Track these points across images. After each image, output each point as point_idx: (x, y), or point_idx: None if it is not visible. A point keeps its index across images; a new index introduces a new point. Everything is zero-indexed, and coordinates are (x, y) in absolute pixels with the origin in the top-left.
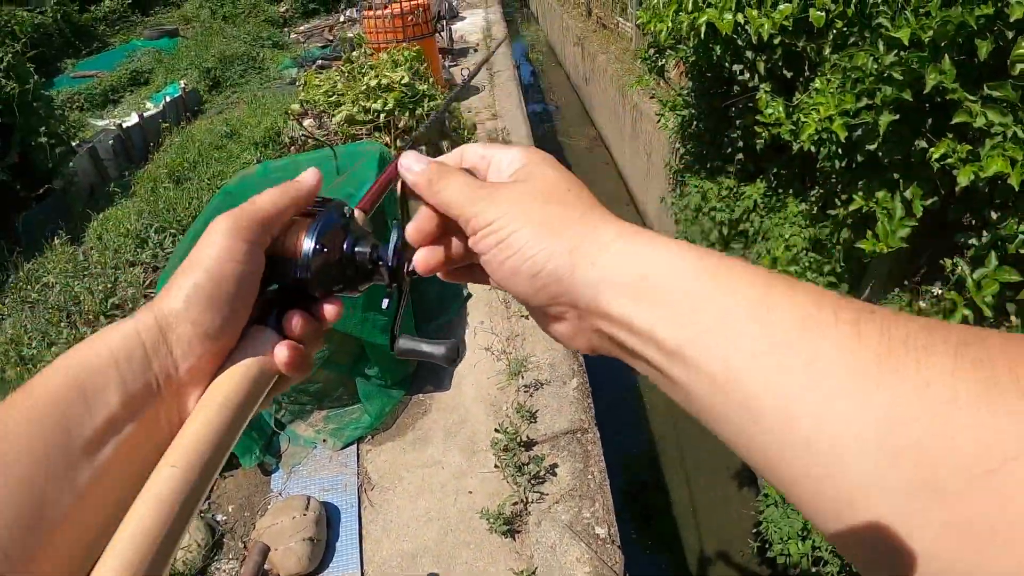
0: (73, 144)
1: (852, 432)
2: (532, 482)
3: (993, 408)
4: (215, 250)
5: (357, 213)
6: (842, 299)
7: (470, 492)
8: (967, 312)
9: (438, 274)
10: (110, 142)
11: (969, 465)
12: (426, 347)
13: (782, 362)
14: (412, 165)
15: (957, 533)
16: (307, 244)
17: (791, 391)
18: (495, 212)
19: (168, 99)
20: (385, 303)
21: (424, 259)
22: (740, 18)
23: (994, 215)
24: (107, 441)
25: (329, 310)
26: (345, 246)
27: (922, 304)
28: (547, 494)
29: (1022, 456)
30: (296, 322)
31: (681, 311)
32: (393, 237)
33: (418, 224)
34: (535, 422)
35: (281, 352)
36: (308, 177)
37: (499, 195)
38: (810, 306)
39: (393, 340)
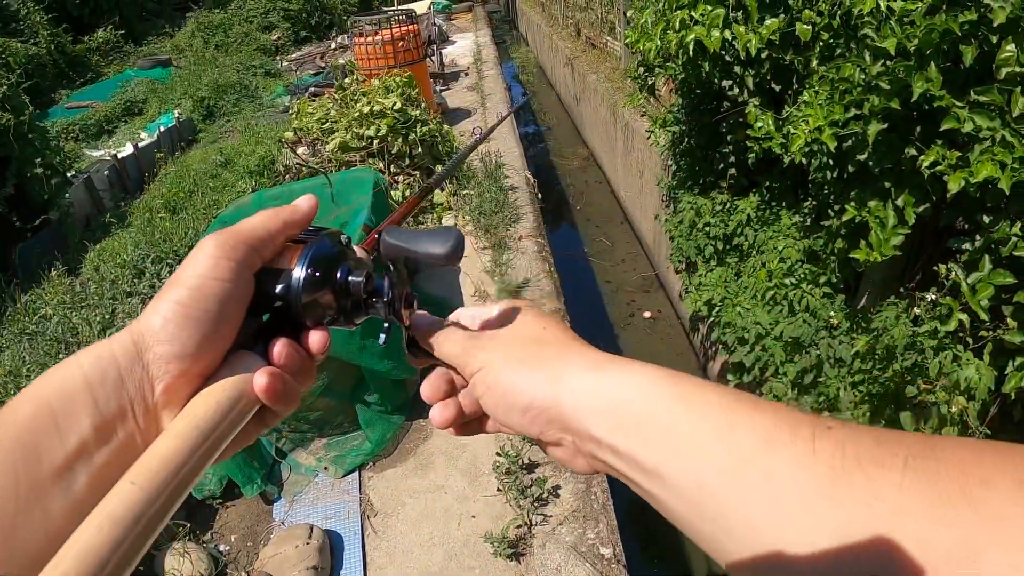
0: (69, 175)
1: (808, 541)
2: (535, 504)
3: (939, 519)
4: (198, 268)
5: (359, 251)
6: (803, 417)
7: (473, 516)
8: (963, 317)
9: (449, 430)
10: (105, 173)
11: (916, 570)
12: (420, 245)
13: (745, 478)
14: (420, 323)
15: None
16: (298, 269)
17: (753, 504)
18: (484, 358)
19: (162, 129)
20: (382, 338)
21: (440, 414)
22: (728, 34)
23: (986, 219)
24: (80, 468)
25: (315, 340)
26: (339, 274)
27: (918, 311)
28: (551, 516)
29: (965, 561)
30: (281, 349)
31: (656, 436)
32: (389, 272)
33: (432, 383)
34: (536, 444)
35: (261, 379)
36: (302, 202)
37: (487, 343)
38: (770, 427)
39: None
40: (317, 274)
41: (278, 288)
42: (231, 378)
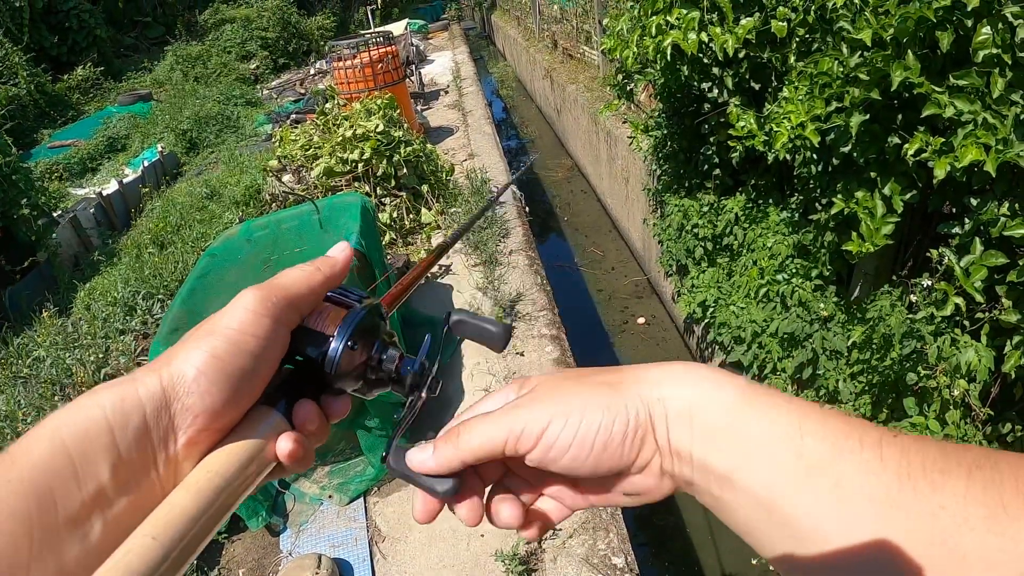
0: (55, 215)
1: (875, 549)
2: None
3: (1000, 532)
4: (237, 321)
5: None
6: (869, 425)
7: (482, 535)
8: (959, 300)
9: (525, 532)
10: (91, 211)
11: None
12: (424, 480)
13: (815, 485)
14: (420, 455)
15: None
16: (337, 340)
17: (823, 512)
18: (545, 412)
19: (146, 163)
20: (404, 417)
21: (468, 514)
22: (704, 37)
23: (974, 201)
24: (96, 516)
25: (337, 408)
26: (374, 350)
27: (913, 298)
28: (560, 529)
29: None
30: (307, 414)
31: (728, 442)
32: (421, 355)
33: (424, 502)
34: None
35: (286, 444)
36: (338, 253)
37: (538, 399)
38: (839, 434)
39: (387, 451)
40: (355, 347)
41: (313, 352)
42: (254, 437)
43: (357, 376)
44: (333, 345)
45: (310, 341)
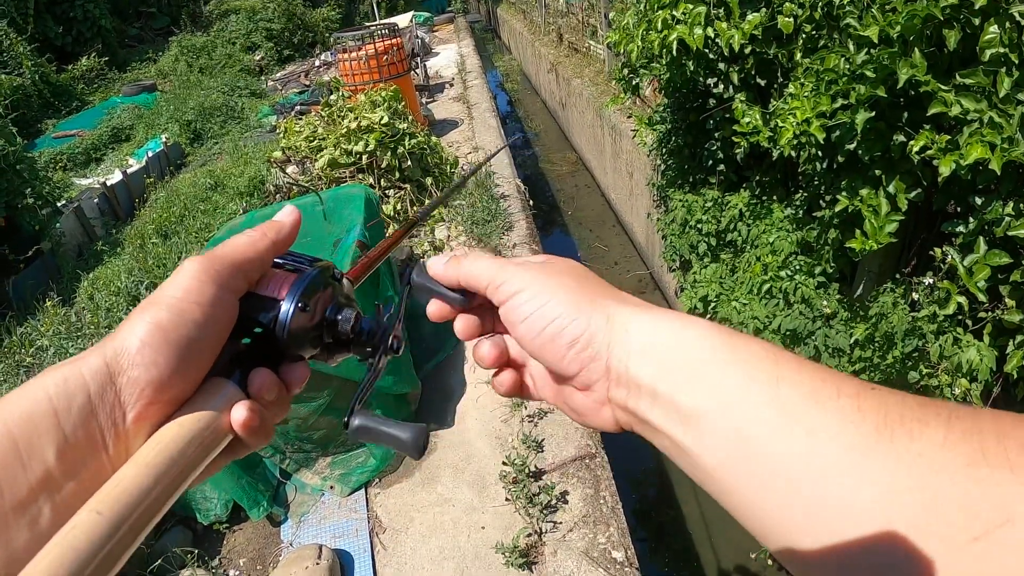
0: (59, 205)
1: (851, 500)
2: (544, 512)
3: (980, 478)
4: (180, 289)
5: (347, 284)
6: (846, 377)
7: (483, 527)
8: (961, 299)
9: (500, 381)
10: (95, 201)
11: (956, 534)
12: (388, 430)
13: (789, 431)
14: (437, 260)
15: None
16: (287, 302)
17: (796, 459)
18: (524, 281)
19: (150, 154)
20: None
21: (489, 351)
22: (710, 32)
23: (978, 200)
24: (44, 500)
25: (295, 375)
26: (328, 311)
27: (916, 296)
28: (560, 523)
29: (1006, 524)
30: (262, 381)
31: (699, 381)
32: (384, 312)
33: (465, 321)
34: (542, 451)
35: (240, 412)
36: (286, 217)
37: (528, 269)
38: (816, 382)
39: (351, 415)
40: (307, 309)
41: (264, 317)
42: (206, 408)
43: (313, 340)
44: (284, 308)
45: (260, 307)
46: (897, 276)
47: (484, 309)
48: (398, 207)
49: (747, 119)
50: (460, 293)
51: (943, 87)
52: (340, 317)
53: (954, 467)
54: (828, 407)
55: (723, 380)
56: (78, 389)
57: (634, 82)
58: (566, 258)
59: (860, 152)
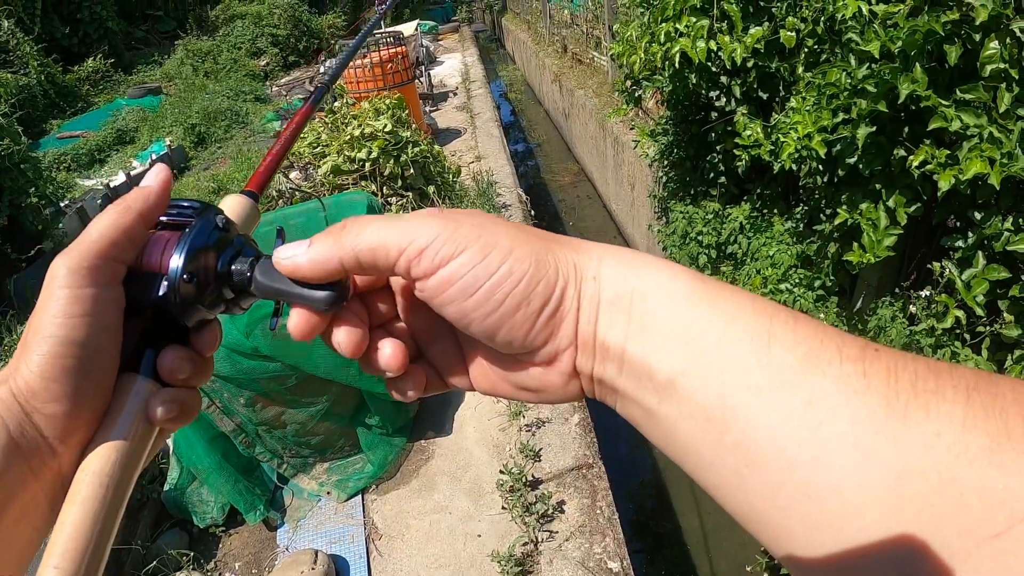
0: (62, 205)
1: (855, 483)
2: (541, 521)
3: (1004, 464)
4: (58, 306)
5: (240, 203)
6: (846, 335)
7: (479, 536)
8: (959, 313)
9: (409, 390)
10: (98, 202)
11: (975, 527)
12: (300, 291)
13: (782, 401)
14: (292, 249)
15: None
16: (171, 274)
17: (790, 434)
18: (463, 238)
19: (154, 157)
20: (272, 325)
21: (347, 340)
22: (713, 45)
23: (977, 215)
24: None
25: (206, 340)
26: (220, 265)
27: (914, 309)
28: (557, 532)
29: None
30: (171, 364)
31: (676, 339)
32: (277, 243)
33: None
34: (539, 461)
35: (157, 408)
36: (151, 181)
37: (457, 220)
38: (813, 341)
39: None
40: (195, 277)
41: (151, 296)
42: (124, 415)
43: (212, 302)
44: (168, 282)
45: (143, 286)
46: (896, 290)
47: (356, 302)
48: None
49: (748, 132)
50: (330, 288)
51: (944, 102)
52: (234, 268)
53: (976, 449)
54: (829, 373)
55: (702, 339)
56: None
57: (637, 94)
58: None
59: (861, 166)
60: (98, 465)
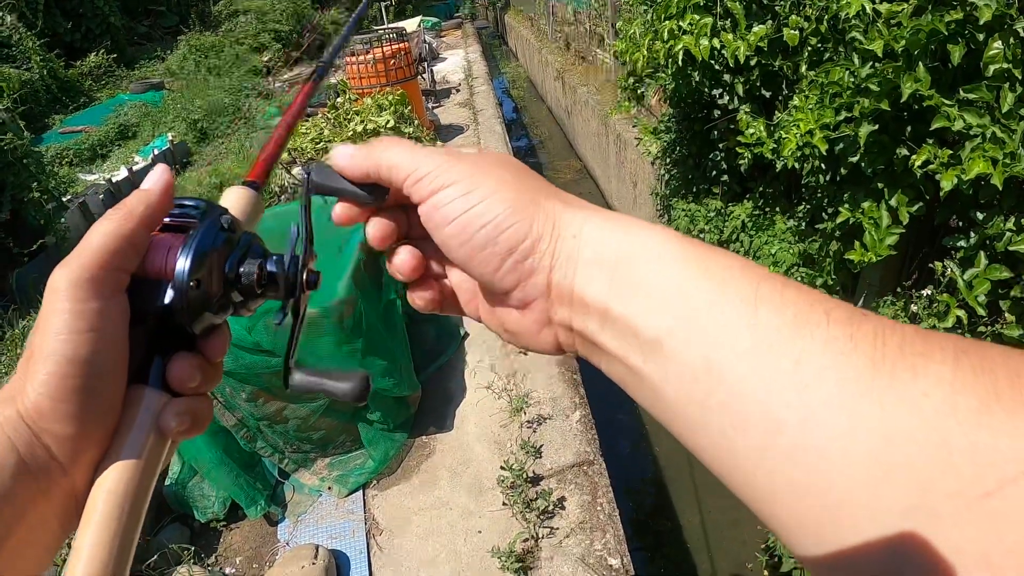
0: (64, 200)
1: (841, 445)
2: (541, 517)
3: (993, 425)
4: (61, 321)
5: (243, 196)
6: (834, 300)
7: (479, 531)
8: (960, 313)
9: (421, 299)
10: (100, 197)
11: (965, 488)
12: (329, 383)
13: (769, 362)
14: (343, 148)
15: (949, 560)
16: (176, 280)
17: (777, 395)
18: (452, 174)
19: (156, 152)
20: (277, 320)
21: (377, 231)
22: (716, 43)
23: (980, 215)
24: None
25: (215, 346)
26: (227, 268)
27: (915, 308)
28: (557, 528)
29: (1020, 479)
30: (180, 373)
31: (663, 298)
32: (289, 248)
33: (376, 230)
34: (540, 457)
35: (170, 420)
36: (152, 183)
37: (457, 160)
38: (801, 304)
39: (288, 373)
40: (201, 284)
41: (156, 304)
42: (136, 429)
43: (220, 307)
44: (173, 289)
45: (148, 294)
46: (897, 289)
47: (399, 211)
48: None
49: (751, 130)
50: (371, 190)
51: (946, 102)
52: (242, 271)
53: (965, 410)
54: (816, 335)
55: (690, 299)
56: (6, 451)
57: (639, 91)
58: (502, 153)
59: (863, 165)
60: (112, 484)
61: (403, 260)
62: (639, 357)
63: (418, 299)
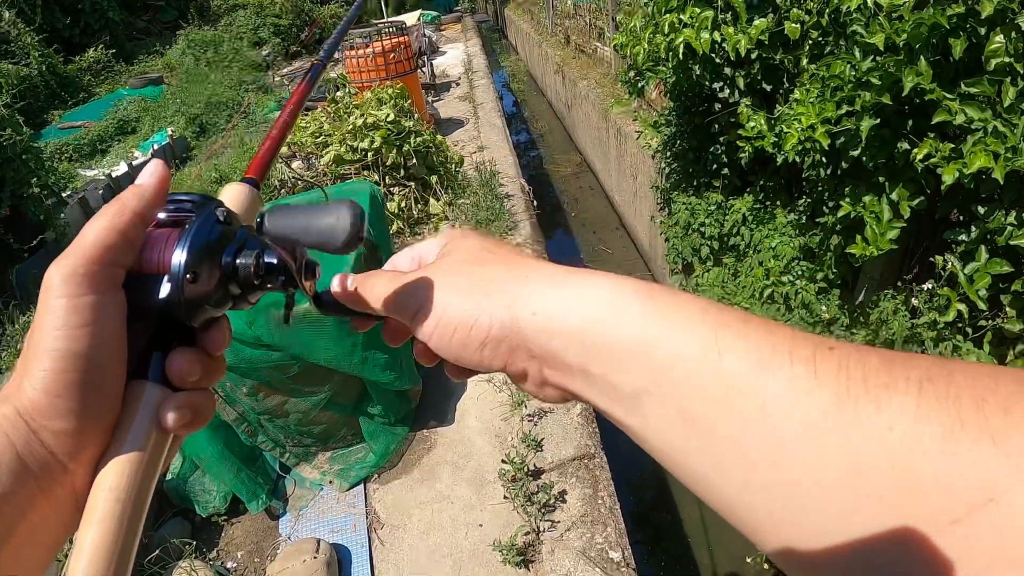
0: (64, 195)
1: (811, 481)
2: (542, 511)
3: (958, 453)
4: (57, 317)
5: (241, 192)
6: (799, 335)
7: (481, 525)
8: (961, 307)
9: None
10: (100, 192)
11: (934, 516)
12: (312, 221)
13: (737, 407)
14: (336, 282)
15: None
16: (172, 274)
17: (748, 437)
18: (419, 298)
19: (156, 147)
20: (283, 314)
21: (390, 338)
22: (717, 36)
23: (981, 209)
24: None
25: (215, 339)
26: (224, 261)
27: (916, 302)
28: (558, 522)
29: (987, 505)
30: (180, 367)
31: (633, 359)
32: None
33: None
34: (541, 451)
35: (170, 416)
36: (147, 177)
37: (421, 278)
38: (764, 347)
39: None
40: (199, 275)
41: (154, 300)
42: (136, 426)
43: (219, 300)
44: (170, 283)
45: (146, 289)
46: (898, 283)
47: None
48: (403, 204)
49: (752, 124)
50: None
51: (948, 96)
52: (239, 263)
53: (930, 439)
54: (780, 376)
55: (656, 358)
56: (5, 449)
57: (640, 85)
58: (464, 231)
59: (864, 159)
60: (113, 481)
61: (421, 351)
62: (622, 411)
63: (430, 361)
